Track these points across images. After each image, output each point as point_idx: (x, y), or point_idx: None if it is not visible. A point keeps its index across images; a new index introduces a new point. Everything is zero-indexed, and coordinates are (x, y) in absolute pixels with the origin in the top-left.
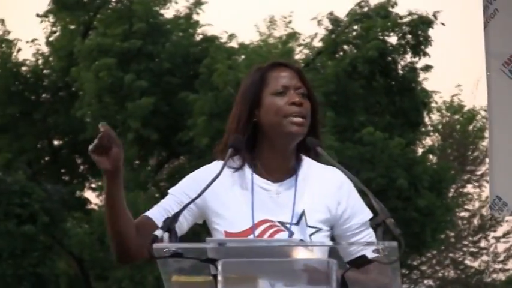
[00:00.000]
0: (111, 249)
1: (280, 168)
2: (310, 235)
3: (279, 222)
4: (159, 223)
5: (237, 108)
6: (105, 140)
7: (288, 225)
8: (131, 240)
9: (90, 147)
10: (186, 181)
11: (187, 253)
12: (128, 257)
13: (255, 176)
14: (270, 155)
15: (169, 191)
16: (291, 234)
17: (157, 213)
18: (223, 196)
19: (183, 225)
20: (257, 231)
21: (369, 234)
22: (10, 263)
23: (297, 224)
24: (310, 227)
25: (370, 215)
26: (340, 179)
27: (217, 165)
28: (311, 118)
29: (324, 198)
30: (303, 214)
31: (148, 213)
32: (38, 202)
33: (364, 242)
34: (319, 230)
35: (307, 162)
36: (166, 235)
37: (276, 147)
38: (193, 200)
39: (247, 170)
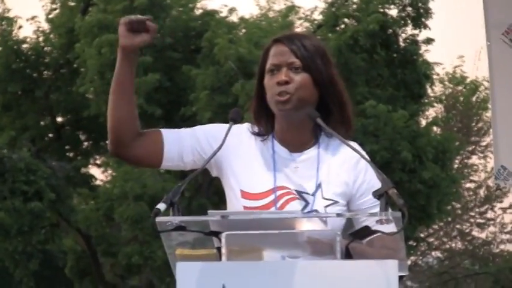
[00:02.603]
0: (108, 139)
1: (295, 140)
2: (326, 207)
3: (296, 191)
4: (166, 139)
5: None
6: (145, 25)
7: (304, 195)
8: (130, 131)
9: (125, 18)
10: (212, 127)
11: (190, 226)
12: (120, 148)
13: (276, 144)
14: (282, 126)
15: (195, 127)
16: (306, 204)
17: (169, 132)
18: (246, 158)
19: (187, 155)
20: (274, 196)
21: None
22: (19, 240)
23: (313, 195)
24: (325, 199)
25: None
26: (358, 154)
27: (239, 128)
28: (318, 88)
29: (341, 172)
30: (319, 186)
31: (162, 129)
32: (44, 179)
33: (367, 212)
34: (335, 202)
35: (326, 137)
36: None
37: (282, 121)
38: (205, 163)
39: (269, 138)
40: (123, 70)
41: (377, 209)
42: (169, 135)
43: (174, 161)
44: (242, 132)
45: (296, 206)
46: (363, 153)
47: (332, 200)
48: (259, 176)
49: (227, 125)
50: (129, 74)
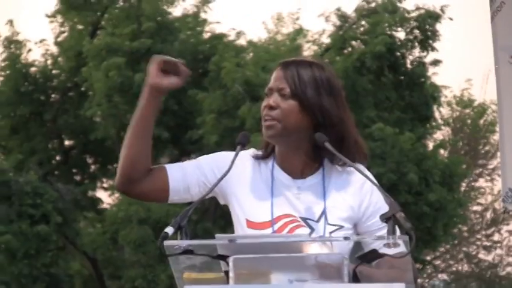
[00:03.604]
0: (117, 173)
1: (296, 165)
2: (331, 232)
3: (301, 218)
4: (171, 175)
5: None
6: (177, 68)
7: (309, 222)
8: (142, 169)
9: (159, 57)
10: (216, 157)
11: (198, 250)
12: (129, 184)
13: (277, 170)
14: (280, 152)
15: (198, 158)
16: (311, 231)
17: (173, 166)
18: (249, 185)
19: (193, 188)
20: (277, 225)
21: None
22: (25, 263)
23: (318, 221)
24: (331, 224)
25: None
26: (362, 177)
27: (243, 155)
28: (311, 116)
29: (346, 197)
30: (324, 211)
31: (166, 164)
32: (51, 202)
33: (375, 236)
34: (341, 227)
35: (329, 161)
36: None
37: (278, 146)
38: (210, 190)
39: (270, 163)
40: (146, 109)
41: (384, 231)
42: (173, 169)
43: (181, 195)
44: (246, 159)
45: (301, 233)
46: (371, 176)
47: (338, 225)
48: (260, 204)
49: (232, 153)
50: (152, 114)
